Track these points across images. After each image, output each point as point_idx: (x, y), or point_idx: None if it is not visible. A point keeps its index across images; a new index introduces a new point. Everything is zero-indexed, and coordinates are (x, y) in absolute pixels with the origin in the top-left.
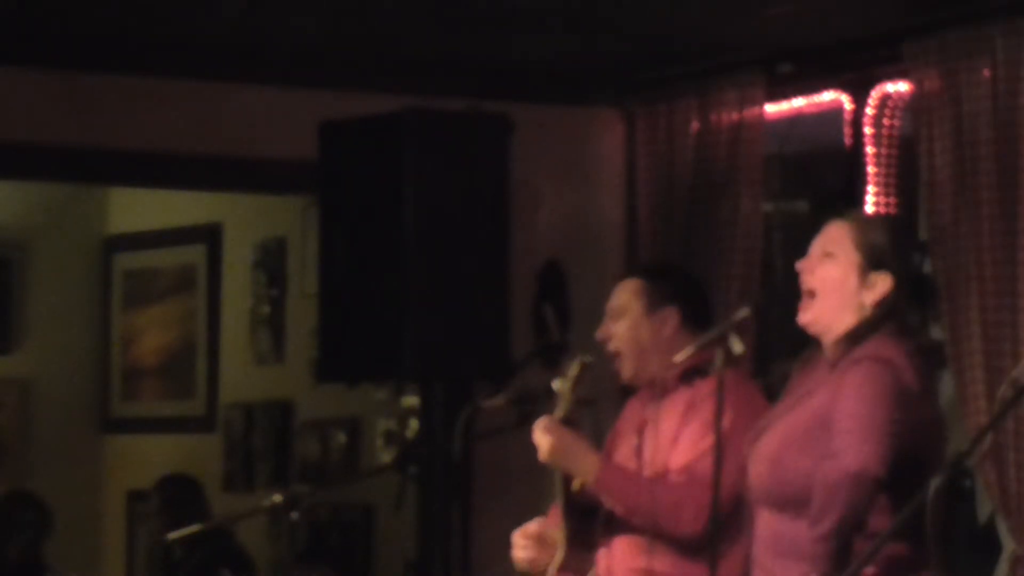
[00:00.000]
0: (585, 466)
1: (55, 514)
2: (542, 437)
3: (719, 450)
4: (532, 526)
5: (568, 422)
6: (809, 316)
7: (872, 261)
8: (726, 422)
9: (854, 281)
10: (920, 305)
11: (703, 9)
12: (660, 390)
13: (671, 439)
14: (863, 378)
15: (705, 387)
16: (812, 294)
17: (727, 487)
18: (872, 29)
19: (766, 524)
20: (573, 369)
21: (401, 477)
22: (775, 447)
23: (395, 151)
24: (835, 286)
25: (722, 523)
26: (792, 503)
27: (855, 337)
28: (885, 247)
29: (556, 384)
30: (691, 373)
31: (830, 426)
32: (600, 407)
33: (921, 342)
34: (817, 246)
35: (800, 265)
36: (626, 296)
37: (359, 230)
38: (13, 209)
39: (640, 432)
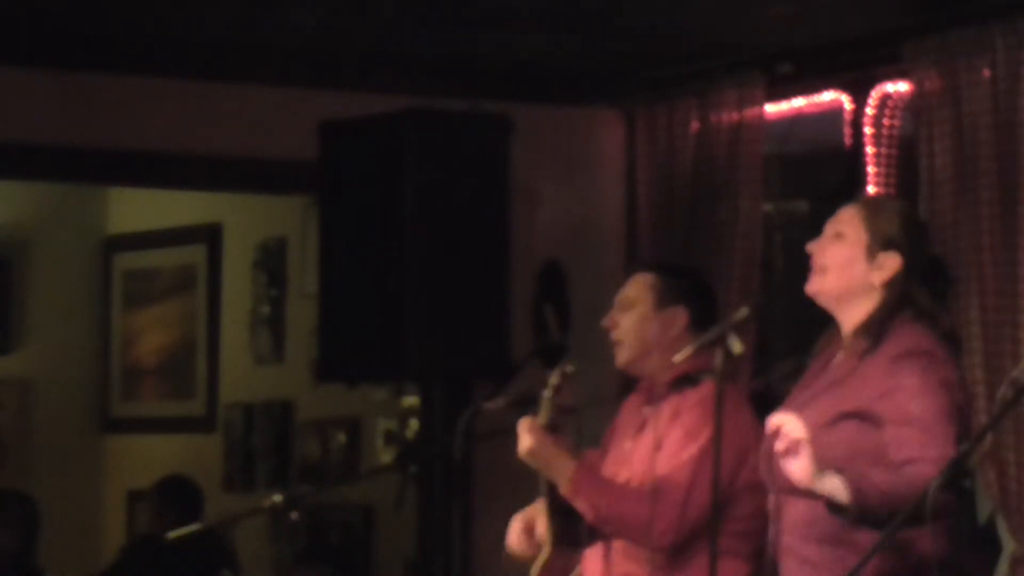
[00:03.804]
0: (560, 473)
1: (43, 512)
2: (523, 436)
3: (717, 450)
4: (532, 516)
5: (550, 428)
6: (816, 287)
7: (880, 241)
8: (705, 435)
9: (862, 260)
10: (932, 288)
11: (703, 9)
12: (652, 395)
13: (654, 447)
14: (918, 381)
15: (692, 396)
16: (823, 269)
17: (701, 499)
18: (872, 29)
19: (799, 512)
20: (554, 378)
21: (401, 477)
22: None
23: (395, 151)
24: (844, 264)
25: (696, 534)
26: None
27: (876, 325)
28: (894, 228)
29: (554, 375)
30: (682, 381)
31: (875, 420)
32: (585, 414)
33: (943, 327)
34: (829, 228)
35: (811, 246)
36: (638, 289)
37: (359, 230)
38: (13, 209)
39: (635, 437)
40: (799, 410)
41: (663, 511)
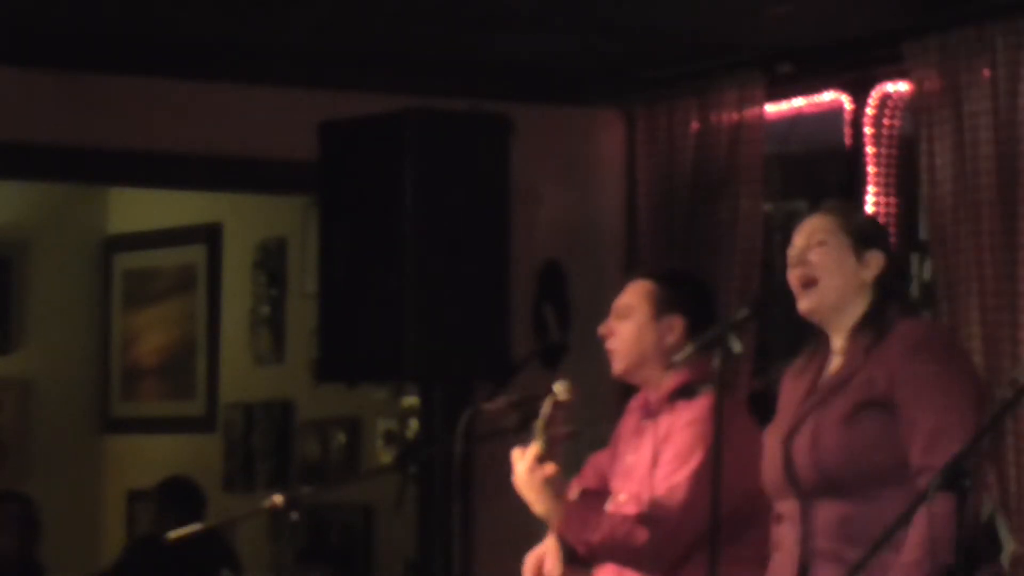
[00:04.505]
0: (548, 512)
1: (43, 512)
2: (517, 464)
3: (717, 458)
4: (541, 554)
5: (545, 457)
6: (813, 301)
7: (862, 241)
8: (696, 458)
9: (852, 261)
10: (907, 277)
11: (703, 9)
12: (650, 409)
13: (651, 464)
14: (939, 368)
15: (685, 415)
16: (813, 281)
17: (695, 521)
18: (872, 29)
19: (828, 514)
20: (545, 408)
21: (401, 477)
22: (830, 435)
23: (395, 151)
24: (836, 267)
25: (695, 549)
26: (855, 487)
27: (873, 320)
28: (869, 227)
29: (545, 405)
30: (676, 395)
31: (894, 407)
32: (583, 434)
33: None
34: (801, 239)
35: (791, 260)
36: (635, 297)
37: (359, 230)
38: (13, 209)
39: (635, 450)
40: (810, 415)
41: (655, 538)
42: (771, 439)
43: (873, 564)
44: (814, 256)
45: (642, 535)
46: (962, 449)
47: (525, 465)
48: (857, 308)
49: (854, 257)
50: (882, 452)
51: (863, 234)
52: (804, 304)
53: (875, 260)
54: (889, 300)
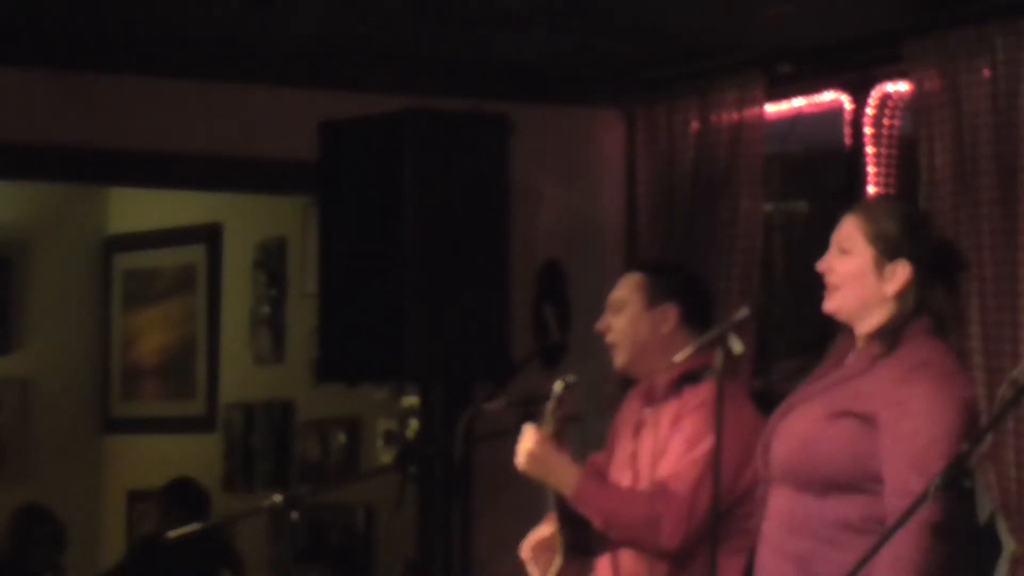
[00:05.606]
0: (563, 480)
1: (66, 525)
2: (526, 444)
3: (718, 452)
4: (540, 533)
5: (554, 438)
6: (834, 305)
7: (887, 252)
8: (707, 441)
9: (872, 275)
10: (947, 280)
11: (703, 9)
12: (652, 396)
13: (659, 451)
14: (929, 399)
15: (693, 399)
16: (836, 288)
17: (707, 499)
18: (872, 29)
19: (783, 501)
20: (556, 389)
21: (401, 477)
22: (806, 427)
23: (395, 151)
24: (854, 281)
25: (704, 534)
26: (816, 484)
27: (890, 332)
28: (897, 235)
29: (557, 386)
30: (681, 381)
31: (876, 425)
32: (588, 422)
33: (954, 332)
34: (833, 243)
35: (820, 266)
36: (627, 290)
37: (359, 230)
38: (13, 209)
39: (636, 438)
40: (803, 403)
41: (669, 512)
42: (775, 414)
43: (816, 559)
44: (838, 265)
45: (658, 504)
46: (962, 449)
47: (538, 440)
48: (875, 318)
49: (875, 270)
50: (844, 458)
51: (888, 244)
52: (826, 306)
53: (900, 272)
54: (913, 311)
